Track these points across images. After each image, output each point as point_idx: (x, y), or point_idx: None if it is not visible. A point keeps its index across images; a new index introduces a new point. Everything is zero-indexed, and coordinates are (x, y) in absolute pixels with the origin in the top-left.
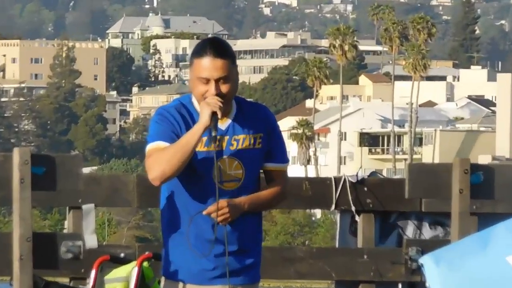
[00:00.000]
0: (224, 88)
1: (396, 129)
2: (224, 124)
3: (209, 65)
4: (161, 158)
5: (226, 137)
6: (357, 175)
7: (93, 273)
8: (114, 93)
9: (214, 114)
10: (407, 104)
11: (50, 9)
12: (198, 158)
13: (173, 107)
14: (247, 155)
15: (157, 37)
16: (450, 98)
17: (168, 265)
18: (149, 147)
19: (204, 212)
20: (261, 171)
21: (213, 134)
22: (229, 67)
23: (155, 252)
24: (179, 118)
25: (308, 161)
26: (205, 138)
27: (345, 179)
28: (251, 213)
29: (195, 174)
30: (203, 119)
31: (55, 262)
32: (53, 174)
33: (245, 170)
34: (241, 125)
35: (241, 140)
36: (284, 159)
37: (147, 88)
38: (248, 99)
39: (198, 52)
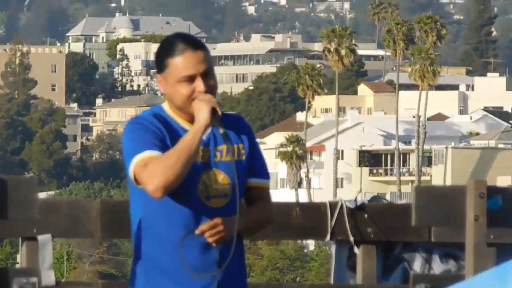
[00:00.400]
0: (210, 82)
1: (401, 146)
2: (204, 134)
3: (191, 60)
4: (163, 165)
5: (208, 148)
6: (355, 200)
7: None
8: (74, 105)
9: (213, 110)
10: (413, 117)
11: (1, 9)
12: None
13: (149, 115)
14: (232, 167)
15: (125, 40)
16: (463, 111)
17: None
18: (138, 159)
19: (197, 232)
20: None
21: (221, 132)
22: (210, 57)
23: None
24: (160, 125)
25: (299, 184)
26: None
27: (342, 205)
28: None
29: (178, 190)
30: (203, 117)
31: None
32: (4, 199)
33: (231, 184)
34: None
35: (225, 151)
36: (267, 175)
37: (113, 100)
38: (228, 112)
39: (172, 50)
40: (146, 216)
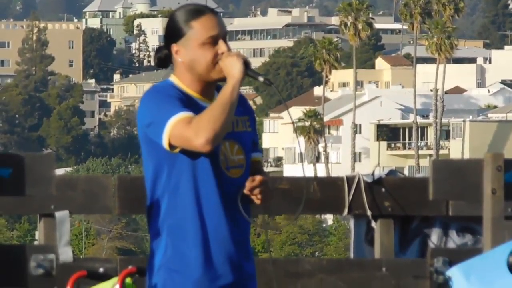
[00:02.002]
0: (228, 46)
1: (419, 120)
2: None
3: (214, 21)
4: (208, 118)
5: None
6: (373, 174)
7: None
8: (92, 81)
9: (245, 63)
10: (431, 90)
11: None
12: None
13: (165, 86)
14: (244, 138)
15: (142, 16)
16: (481, 84)
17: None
18: (175, 120)
19: (246, 190)
20: None
21: (261, 79)
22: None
23: (139, 266)
24: (178, 93)
25: (318, 159)
26: None
27: (359, 179)
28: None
29: (199, 161)
30: (238, 70)
31: (24, 279)
32: (21, 176)
33: (245, 155)
34: None
35: (235, 122)
36: (260, 149)
37: (130, 76)
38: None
39: (196, 13)
40: (171, 189)
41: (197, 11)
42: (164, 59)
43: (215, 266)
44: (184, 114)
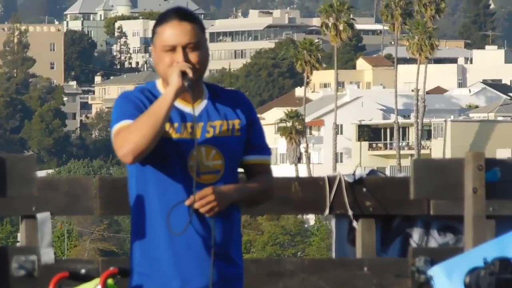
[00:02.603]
0: (193, 56)
1: (400, 120)
2: (197, 108)
3: (175, 30)
4: (131, 131)
5: (201, 123)
6: (354, 174)
7: None
8: (73, 83)
9: (184, 74)
10: (412, 91)
11: None
12: (171, 147)
13: (137, 90)
14: (226, 143)
15: (123, 18)
16: (462, 84)
17: (138, 279)
18: (114, 128)
19: (187, 203)
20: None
21: (186, 84)
22: (198, 32)
23: (121, 267)
24: (144, 99)
25: (299, 159)
26: (176, 124)
27: (340, 179)
28: (236, 208)
29: (167, 167)
30: (173, 80)
31: (5, 280)
32: (3, 178)
33: (225, 160)
34: (217, 110)
35: (218, 126)
36: (267, 151)
37: (111, 77)
38: (228, 88)
39: (162, 19)
40: (139, 192)
41: (163, 18)
42: None
43: (183, 270)
44: (123, 123)
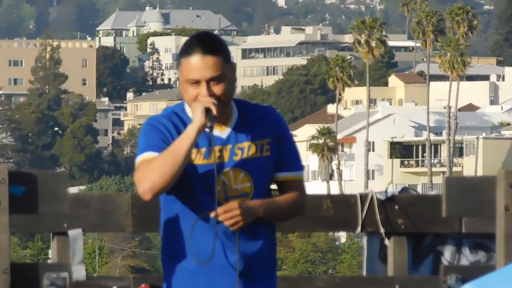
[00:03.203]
0: (217, 89)
1: (432, 137)
2: (224, 132)
3: (198, 64)
4: (151, 168)
5: (229, 146)
6: (386, 192)
7: None
8: (105, 99)
9: (208, 110)
10: (444, 108)
11: (31, 4)
12: (198, 173)
13: (163, 116)
14: (255, 165)
15: (155, 34)
16: (494, 101)
17: None
18: (138, 160)
19: (212, 214)
20: (273, 186)
21: (209, 124)
22: (222, 64)
23: (153, 284)
24: (171, 126)
25: (331, 176)
26: (204, 150)
27: (372, 196)
28: (264, 226)
29: (195, 192)
30: (196, 118)
31: None
32: (34, 194)
33: (253, 182)
34: (245, 131)
35: (246, 148)
36: (298, 167)
37: (144, 94)
38: (260, 104)
39: (185, 50)
40: (168, 217)
41: (187, 48)
42: None
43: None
44: (145, 156)
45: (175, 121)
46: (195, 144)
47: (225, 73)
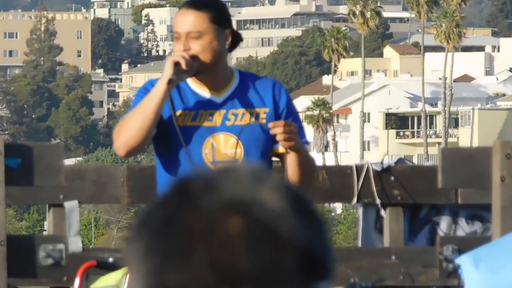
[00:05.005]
0: (194, 45)
1: (428, 108)
2: (220, 97)
3: (180, 17)
4: (124, 124)
5: (223, 111)
6: (382, 163)
7: (77, 281)
8: (100, 71)
9: (176, 64)
10: (439, 79)
11: None
12: (186, 134)
13: (157, 80)
14: (247, 131)
15: (150, 5)
16: (489, 72)
17: None
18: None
19: (270, 125)
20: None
21: (173, 78)
22: (207, 22)
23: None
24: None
25: (326, 147)
26: (193, 112)
27: (368, 168)
28: None
29: (181, 155)
30: (164, 71)
31: (33, 269)
32: (30, 166)
33: (244, 149)
34: (242, 98)
35: (240, 115)
36: (303, 138)
37: (139, 65)
38: (262, 76)
39: (181, 6)
40: (160, 178)
41: (182, 5)
42: None
43: None
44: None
45: None
46: (185, 105)
47: (208, 31)
